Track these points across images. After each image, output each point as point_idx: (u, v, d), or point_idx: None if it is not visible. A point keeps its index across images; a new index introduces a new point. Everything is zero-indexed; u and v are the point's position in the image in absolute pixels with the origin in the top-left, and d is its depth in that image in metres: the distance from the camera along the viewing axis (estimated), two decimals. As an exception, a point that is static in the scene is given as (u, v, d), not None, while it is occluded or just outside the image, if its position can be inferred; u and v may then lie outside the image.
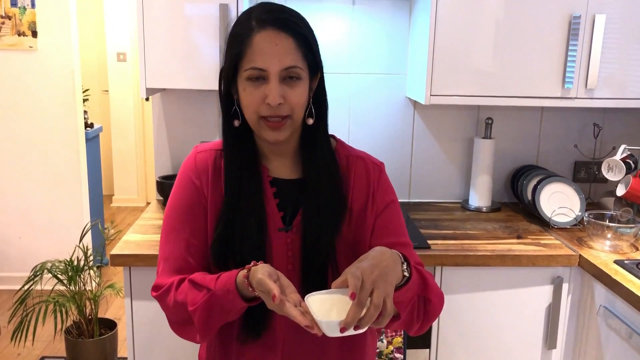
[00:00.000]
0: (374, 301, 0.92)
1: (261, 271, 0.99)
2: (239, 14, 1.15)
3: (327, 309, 0.97)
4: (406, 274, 1.04)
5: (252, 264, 1.05)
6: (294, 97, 1.09)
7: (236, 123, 1.15)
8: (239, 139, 1.17)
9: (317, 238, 1.15)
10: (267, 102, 1.07)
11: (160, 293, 1.16)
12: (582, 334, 1.90)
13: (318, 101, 1.17)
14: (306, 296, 0.99)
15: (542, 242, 1.97)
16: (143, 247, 1.83)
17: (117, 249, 1.81)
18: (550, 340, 1.92)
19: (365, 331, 0.96)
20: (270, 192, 1.18)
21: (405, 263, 1.05)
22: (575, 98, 2.06)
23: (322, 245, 1.15)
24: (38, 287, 2.68)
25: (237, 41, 1.09)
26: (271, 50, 1.06)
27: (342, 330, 0.92)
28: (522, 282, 1.90)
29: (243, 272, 1.04)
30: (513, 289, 1.90)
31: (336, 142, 1.25)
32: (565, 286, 1.90)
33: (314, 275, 1.15)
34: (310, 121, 1.16)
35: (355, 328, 0.93)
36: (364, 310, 0.92)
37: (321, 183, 1.17)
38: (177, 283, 1.14)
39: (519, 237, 2.02)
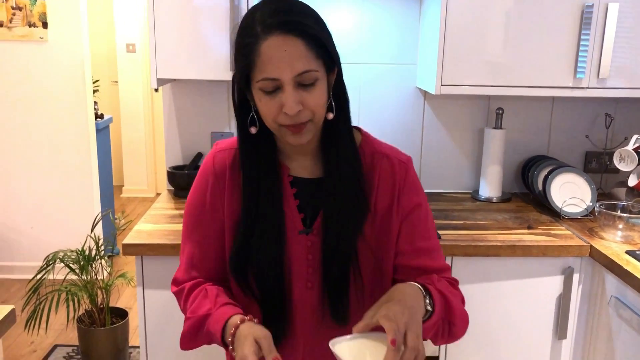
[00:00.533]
0: (409, 344, 0.89)
1: (248, 348, 0.95)
2: (244, 14, 1.08)
3: (355, 356, 0.94)
4: (429, 307, 1.02)
5: (239, 319, 1.02)
6: (313, 100, 1.02)
7: (253, 130, 1.10)
8: (256, 142, 1.12)
9: (338, 241, 1.10)
10: (285, 112, 1.01)
11: (176, 291, 1.19)
12: (593, 324, 1.90)
13: (337, 95, 1.11)
14: (331, 342, 0.96)
15: (552, 232, 1.97)
16: (155, 237, 1.84)
17: (130, 238, 1.82)
18: (560, 330, 1.92)
19: None
20: (291, 193, 1.14)
21: (428, 296, 1.03)
22: (587, 88, 2.05)
23: (344, 248, 1.10)
24: (50, 277, 2.71)
25: (245, 51, 1.01)
26: (281, 58, 0.98)
27: None
28: (533, 272, 1.90)
29: (230, 329, 1.02)
30: (523, 279, 1.90)
31: (362, 136, 1.19)
32: (576, 276, 1.90)
33: (335, 280, 1.12)
34: (330, 116, 1.09)
35: None
36: (399, 354, 0.90)
37: (342, 183, 1.11)
38: (189, 289, 1.16)
39: (529, 228, 2.01)
